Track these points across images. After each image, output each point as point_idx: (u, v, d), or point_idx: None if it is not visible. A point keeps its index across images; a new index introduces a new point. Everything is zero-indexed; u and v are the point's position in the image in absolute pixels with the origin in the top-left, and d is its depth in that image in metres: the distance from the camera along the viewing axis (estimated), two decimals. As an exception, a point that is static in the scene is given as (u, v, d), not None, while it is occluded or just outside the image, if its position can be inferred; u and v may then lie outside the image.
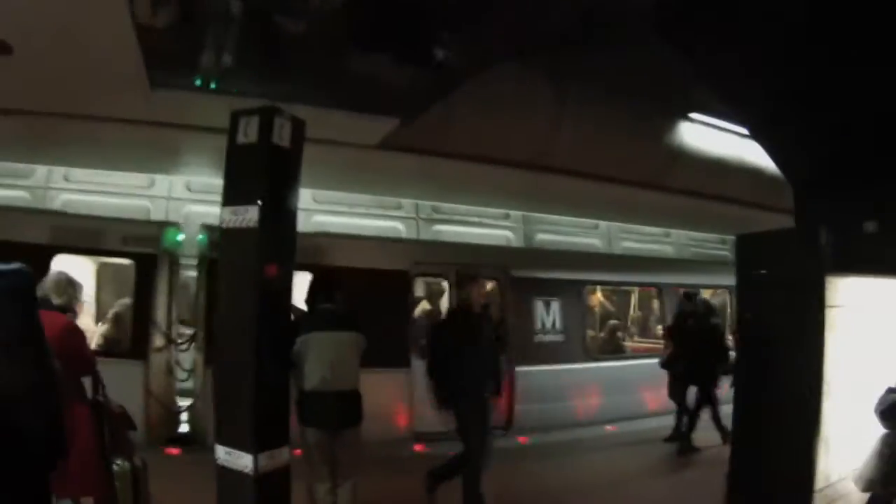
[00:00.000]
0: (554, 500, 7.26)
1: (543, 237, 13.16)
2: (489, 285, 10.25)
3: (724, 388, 8.54)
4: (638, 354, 12.28)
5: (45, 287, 5.01)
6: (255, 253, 5.02)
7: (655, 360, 10.44)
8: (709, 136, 10.80)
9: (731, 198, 12.28)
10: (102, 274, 10.05)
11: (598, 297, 13.36)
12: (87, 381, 5.22)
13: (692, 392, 9.66)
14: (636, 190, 11.37)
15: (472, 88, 7.55)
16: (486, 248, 11.49)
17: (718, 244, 15.71)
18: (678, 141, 10.61)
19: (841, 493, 4.81)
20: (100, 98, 7.87)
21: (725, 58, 5.90)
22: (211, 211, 9.37)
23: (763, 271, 5.28)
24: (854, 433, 4.70)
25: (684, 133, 10.58)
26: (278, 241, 5.21)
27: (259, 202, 4.98)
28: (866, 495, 4.31)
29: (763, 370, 5.14)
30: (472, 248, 11.32)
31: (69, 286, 5.04)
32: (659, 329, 13.04)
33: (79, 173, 10.38)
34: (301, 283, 5.64)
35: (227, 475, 5.14)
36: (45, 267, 6.23)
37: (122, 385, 5.54)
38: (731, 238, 15.15)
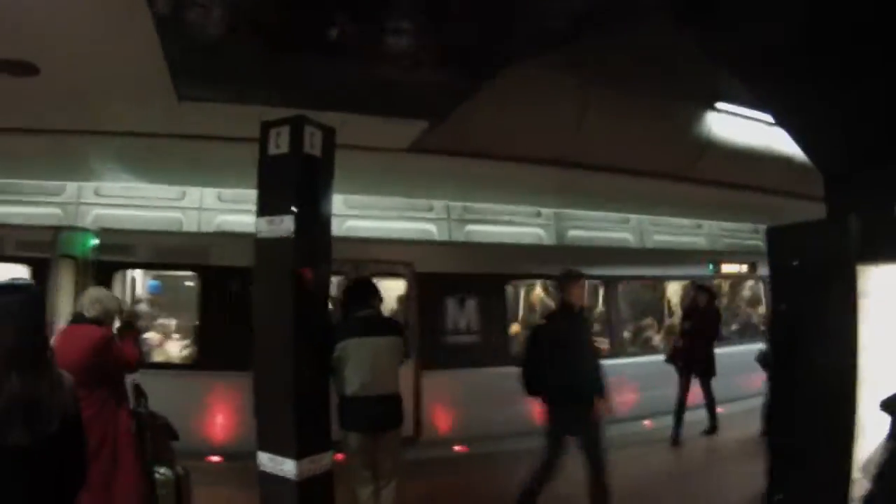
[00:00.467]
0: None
1: (575, 233, 13.11)
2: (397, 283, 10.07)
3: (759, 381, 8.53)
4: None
5: (81, 302, 5.17)
6: (292, 261, 5.10)
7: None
8: (736, 126, 10.71)
9: (761, 187, 12.17)
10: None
11: (538, 293, 12.77)
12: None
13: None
14: (665, 182, 11.29)
15: (497, 87, 7.54)
16: (395, 241, 10.95)
17: (752, 233, 15.59)
18: (705, 132, 10.50)
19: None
20: (128, 113, 7.96)
21: (748, 45, 5.85)
22: (242, 220, 9.53)
23: (795, 262, 5.25)
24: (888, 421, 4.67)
25: (711, 123, 10.49)
26: (314, 248, 5.30)
27: (294, 211, 5.06)
28: None
29: (797, 360, 5.12)
30: (379, 242, 10.83)
31: (103, 300, 5.17)
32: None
33: (110, 188, 10.53)
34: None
35: (270, 481, 5.22)
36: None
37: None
38: (763, 227, 15.23)
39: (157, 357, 9.35)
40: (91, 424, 3.30)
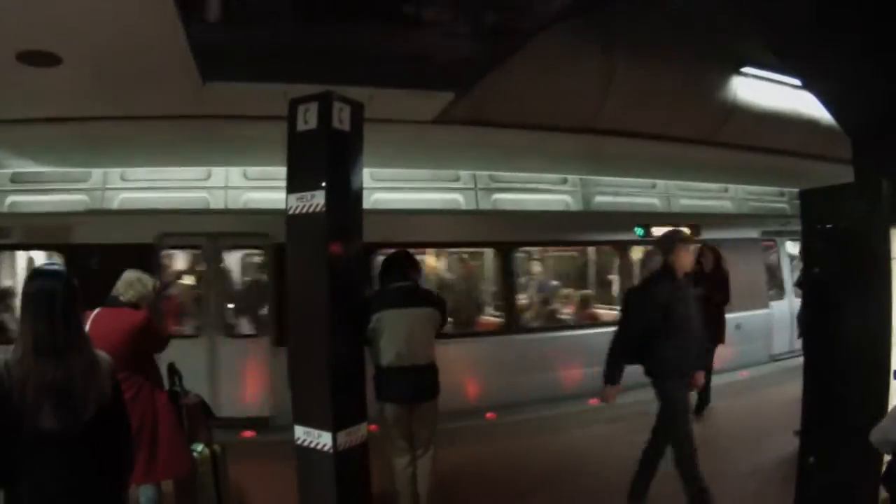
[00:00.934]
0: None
1: (602, 199, 13.03)
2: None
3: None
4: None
5: (117, 286, 5.20)
6: (324, 236, 5.11)
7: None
8: (762, 90, 10.58)
9: (788, 150, 12.05)
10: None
11: (432, 261, 11.65)
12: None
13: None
14: (691, 147, 11.19)
15: (522, 56, 7.50)
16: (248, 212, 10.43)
17: (777, 197, 15.45)
18: (731, 96, 10.39)
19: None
20: (151, 97, 7.99)
21: (775, 8, 5.77)
22: (269, 197, 9.56)
23: (828, 225, 5.21)
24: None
25: (737, 87, 10.37)
26: (345, 223, 5.30)
27: (324, 186, 5.07)
28: None
29: (830, 323, 5.10)
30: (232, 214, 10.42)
31: (137, 283, 5.20)
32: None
33: (135, 172, 10.61)
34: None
35: (307, 454, 5.27)
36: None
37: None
38: (788, 191, 15.09)
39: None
40: (129, 408, 3.31)
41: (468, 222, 11.40)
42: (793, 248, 13.93)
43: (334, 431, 5.09)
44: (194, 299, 10.17)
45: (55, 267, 3.08)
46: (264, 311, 9.86)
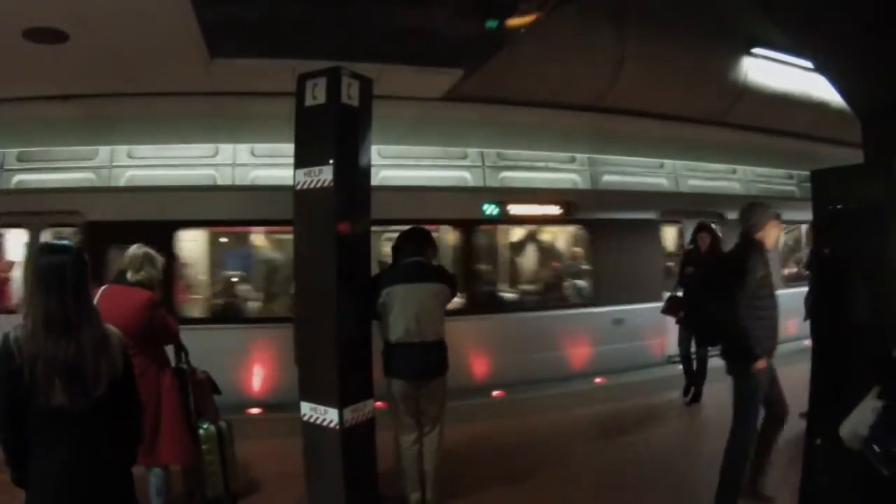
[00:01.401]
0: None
1: (610, 178, 12.83)
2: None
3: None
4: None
5: (124, 264, 5.15)
6: (332, 211, 5.11)
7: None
8: (772, 71, 10.52)
9: (797, 132, 12.00)
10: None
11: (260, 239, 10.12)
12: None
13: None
14: (700, 127, 11.15)
15: (532, 34, 7.46)
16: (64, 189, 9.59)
17: (786, 179, 15.34)
18: (742, 76, 10.33)
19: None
20: (158, 73, 7.97)
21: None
22: (276, 174, 9.52)
23: (839, 206, 5.17)
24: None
25: (748, 68, 10.31)
26: (353, 198, 5.30)
27: (332, 162, 5.06)
28: None
29: (841, 304, 5.06)
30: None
31: (147, 262, 5.15)
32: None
33: (142, 149, 10.59)
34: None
35: (313, 431, 5.31)
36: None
37: None
38: (797, 173, 15.00)
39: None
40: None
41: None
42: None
43: (340, 408, 5.13)
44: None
45: (64, 242, 3.04)
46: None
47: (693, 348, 9.05)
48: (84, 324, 2.79)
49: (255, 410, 8.16)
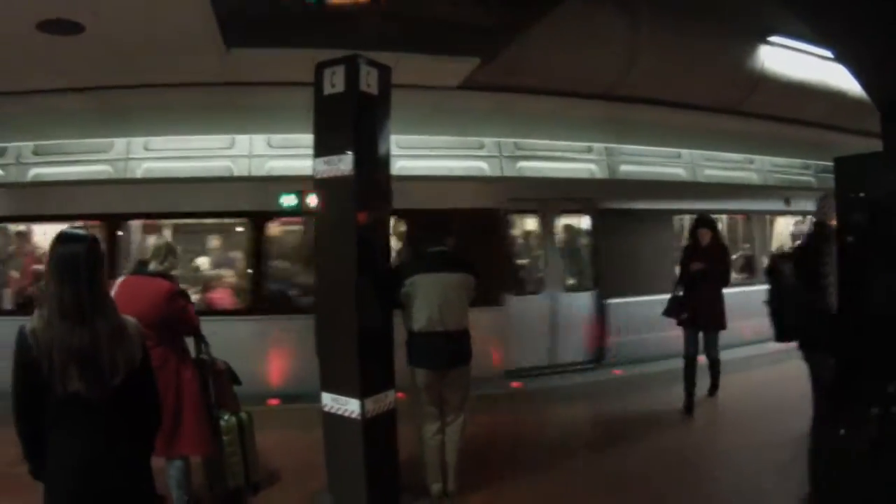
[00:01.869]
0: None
1: (627, 168, 12.62)
2: None
3: None
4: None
5: (145, 254, 5.13)
6: (352, 200, 5.07)
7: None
8: (789, 60, 10.43)
9: (814, 121, 11.93)
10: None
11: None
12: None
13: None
14: (717, 116, 11.10)
15: (548, 23, 7.42)
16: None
17: (802, 169, 15.18)
18: (758, 65, 10.25)
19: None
20: (174, 64, 7.97)
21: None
22: (293, 165, 9.47)
23: (862, 194, 5.12)
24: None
25: (764, 57, 10.22)
26: (374, 187, 5.27)
27: (352, 150, 5.03)
28: None
29: (864, 292, 5.02)
30: None
31: (169, 253, 5.13)
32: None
33: (158, 141, 10.57)
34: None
35: (334, 421, 5.29)
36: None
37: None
38: (813, 163, 14.85)
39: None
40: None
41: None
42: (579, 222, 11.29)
43: (362, 398, 5.10)
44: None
45: (80, 231, 3.02)
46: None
47: (699, 350, 8.32)
48: (98, 313, 2.77)
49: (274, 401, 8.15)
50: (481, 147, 11.39)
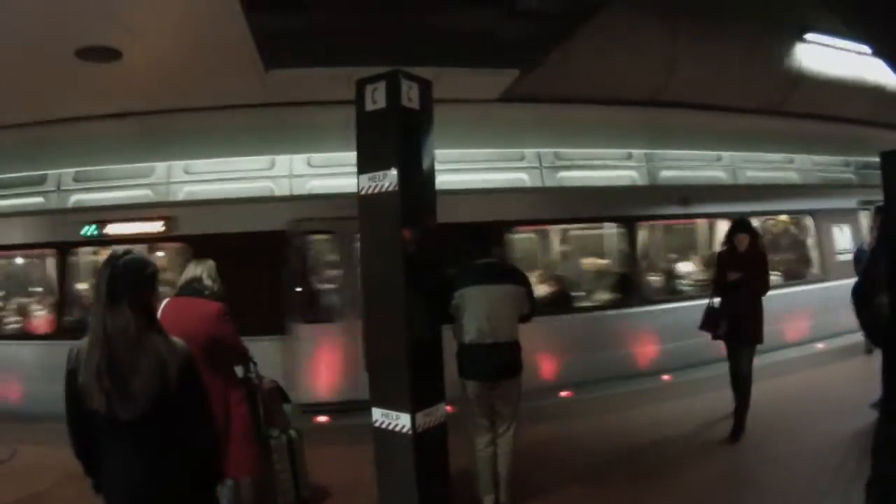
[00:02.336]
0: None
1: (668, 174, 12.48)
2: None
3: None
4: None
5: (196, 274, 5.14)
6: (398, 216, 5.08)
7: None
8: (826, 57, 10.30)
9: (853, 118, 11.76)
10: None
11: None
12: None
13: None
14: (756, 118, 10.98)
15: (586, 33, 7.41)
16: None
17: (843, 167, 14.91)
18: (796, 64, 10.13)
19: None
20: (213, 88, 8.05)
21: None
22: (334, 184, 9.50)
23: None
24: None
25: (801, 56, 10.10)
26: (419, 201, 5.28)
27: (396, 166, 5.04)
28: None
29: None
30: None
31: (218, 274, 5.14)
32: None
33: (199, 164, 10.67)
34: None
35: (385, 436, 5.28)
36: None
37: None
38: (854, 160, 14.59)
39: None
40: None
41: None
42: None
43: (413, 413, 5.09)
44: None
45: (130, 255, 2.99)
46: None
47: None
48: (141, 334, 2.80)
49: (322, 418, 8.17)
50: (522, 158, 11.36)
